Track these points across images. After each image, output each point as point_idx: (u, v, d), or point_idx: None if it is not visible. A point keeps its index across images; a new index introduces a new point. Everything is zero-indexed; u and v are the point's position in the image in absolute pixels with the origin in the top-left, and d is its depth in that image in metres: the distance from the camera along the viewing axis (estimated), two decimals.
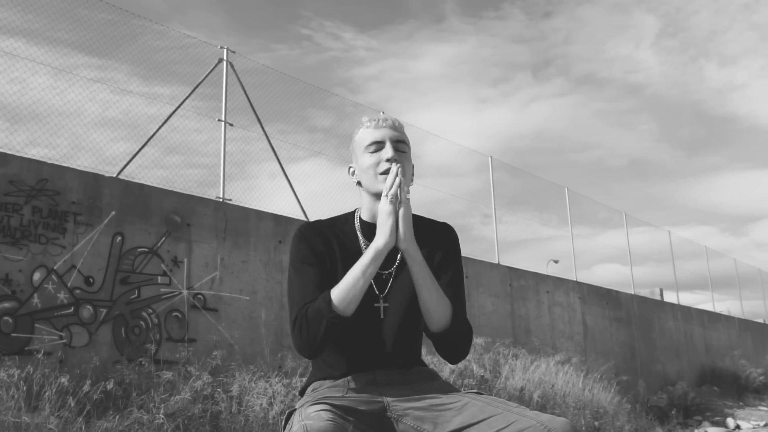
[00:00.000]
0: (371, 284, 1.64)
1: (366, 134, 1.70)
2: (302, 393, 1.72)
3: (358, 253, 1.64)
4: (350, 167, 1.78)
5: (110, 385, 4.69)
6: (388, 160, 1.63)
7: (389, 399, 1.58)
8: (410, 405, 1.56)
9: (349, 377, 1.62)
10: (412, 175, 1.74)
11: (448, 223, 1.83)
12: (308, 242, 1.67)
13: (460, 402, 1.53)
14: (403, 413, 1.56)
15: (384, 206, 1.58)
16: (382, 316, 1.64)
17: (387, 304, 1.65)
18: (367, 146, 1.68)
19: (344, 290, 1.53)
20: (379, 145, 1.67)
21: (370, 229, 1.69)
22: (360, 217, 1.74)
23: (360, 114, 9.39)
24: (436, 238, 1.75)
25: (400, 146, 1.68)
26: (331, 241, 1.68)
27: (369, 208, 1.72)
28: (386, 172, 1.63)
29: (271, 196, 7.54)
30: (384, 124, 1.69)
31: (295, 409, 1.57)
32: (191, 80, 6.98)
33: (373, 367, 1.63)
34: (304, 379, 1.76)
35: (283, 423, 1.58)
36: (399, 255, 1.69)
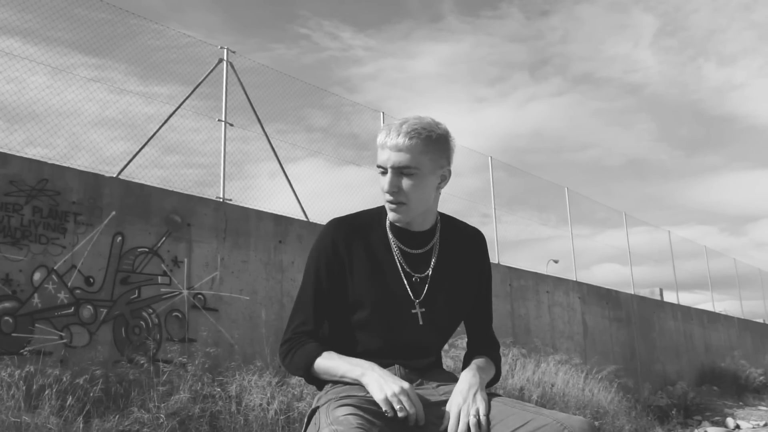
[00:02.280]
0: (407, 290, 1.62)
1: (378, 151, 1.57)
2: (320, 387, 1.69)
3: (389, 251, 1.63)
4: None
5: (110, 385, 4.70)
6: (387, 192, 1.56)
7: None
8: (431, 410, 1.55)
9: None
10: (442, 181, 1.63)
11: (478, 228, 1.80)
12: (332, 246, 1.62)
13: None
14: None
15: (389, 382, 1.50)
16: (420, 323, 1.61)
17: (424, 310, 1.62)
18: (377, 166, 1.58)
19: (325, 369, 1.58)
20: (383, 170, 1.56)
21: (401, 232, 1.66)
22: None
23: (358, 114, 9.44)
24: (470, 247, 1.74)
25: (405, 171, 1.53)
26: (359, 241, 1.64)
27: None
28: (390, 201, 1.57)
29: (268, 195, 7.56)
30: (389, 143, 1.53)
31: (318, 407, 1.54)
32: (189, 80, 6.99)
33: (394, 365, 1.62)
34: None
35: (305, 421, 1.56)
36: (433, 259, 1.66)
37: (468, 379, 1.56)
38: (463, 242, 1.73)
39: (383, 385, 1.48)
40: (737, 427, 10.61)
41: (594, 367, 9.39)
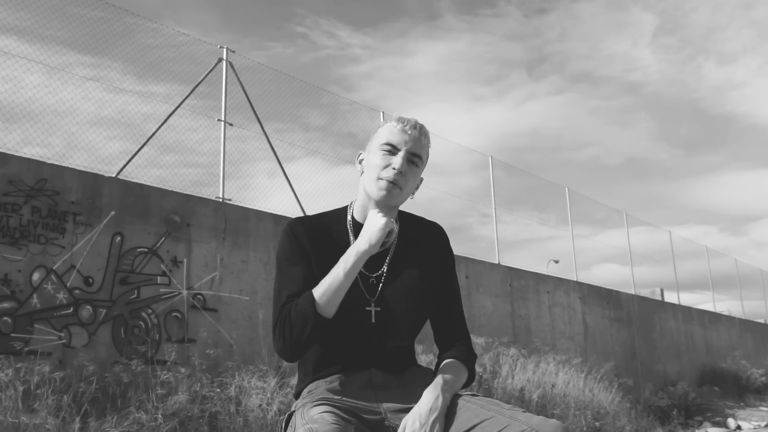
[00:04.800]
0: (361, 288, 1.61)
1: (387, 132, 1.63)
2: (297, 396, 1.69)
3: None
4: (360, 154, 1.72)
5: (109, 386, 4.68)
6: (393, 168, 1.58)
7: (387, 409, 1.57)
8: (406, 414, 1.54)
9: (344, 378, 1.60)
10: (417, 187, 1.70)
11: (438, 222, 1.79)
12: (296, 240, 1.63)
13: (455, 407, 1.52)
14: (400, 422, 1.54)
15: (375, 213, 1.57)
16: (373, 321, 1.60)
17: (378, 309, 1.61)
18: (382, 144, 1.62)
19: (326, 291, 1.51)
20: (393, 149, 1.61)
21: (361, 228, 1.65)
22: (352, 215, 1.70)
23: (354, 112, 9.43)
24: (428, 242, 1.73)
25: (414, 159, 1.62)
26: (321, 239, 1.64)
27: (363, 204, 1.68)
28: (388, 179, 1.58)
29: (266, 195, 7.54)
30: (410, 132, 1.61)
31: (294, 411, 1.55)
32: (186, 78, 6.97)
33: (368, 367, 1.61)
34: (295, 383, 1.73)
35: (283, 426, 1.56)
36: (388, 258, 1.66)
37: (430, 402, 1.50)
38: (421, 238, 1.72)
39: (370, 231, 1.55)
40: (738, 427, 10.59)
41: (594, 367, 9.37)
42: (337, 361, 1.62)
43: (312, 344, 1.53)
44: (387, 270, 1.65)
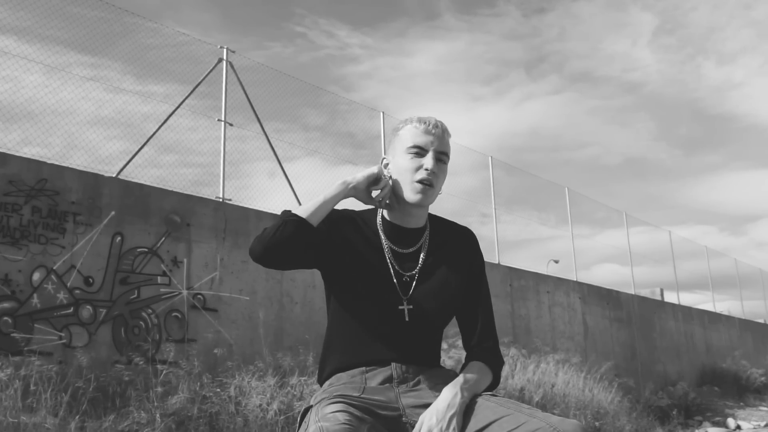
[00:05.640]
0: (395, 286, 1.64)
1: (411, 134, 1.67)
2: (321, 383, 1.71)
3: (380, 252, 1.67)
4: (384, 159, 1.75)
5: (109, 385, 4.69)
6: (426, 170, 1.63)
7: (405, 405, 1.57)
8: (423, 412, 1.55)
9: (366, 373, 1.61)
10: (443, 182, 1.74)
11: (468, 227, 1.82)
12: (336, 226, 1.67)
13: (474, 404, 1.54)
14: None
15: (386, 183, 1.68)
16: (407, 319, 1.63)
17: (411, 307, 1.64)
18: (408, 147, 1.66)
19: (305, 204, 1.62)
20: (421, 151, 1.65)
21: (393, 230, 1.70)
22: (383, 216, 1.74)
23: (354, 112, 9.41)
24: (459, 244, 1.75)
25: (442, 157, 1.67)
26: (354, 231, 1.69)
27: (392, 206, 1.71)
28: (422, 181, 1.63)
29: (266, 195, 7.54)
30: (434, 131, 1.66)
31: (311, 406, 1.56)
32: (185, 78, 6.97)
33: (391, 363, 1.62)
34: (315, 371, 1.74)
35: (299, 420, 1.58)
36: (421, 257, 1.69)
37: (448, 399, 1.51)
38: (452, 240, 1.76)
39: (360, 173, 1.67)
40: (738, 427, 10.59)
41: (594, 367, 9.37)
42: (363, 354, 1.64)
43: (283, 245, 1.55)
44: (420, 270, 1.68)
